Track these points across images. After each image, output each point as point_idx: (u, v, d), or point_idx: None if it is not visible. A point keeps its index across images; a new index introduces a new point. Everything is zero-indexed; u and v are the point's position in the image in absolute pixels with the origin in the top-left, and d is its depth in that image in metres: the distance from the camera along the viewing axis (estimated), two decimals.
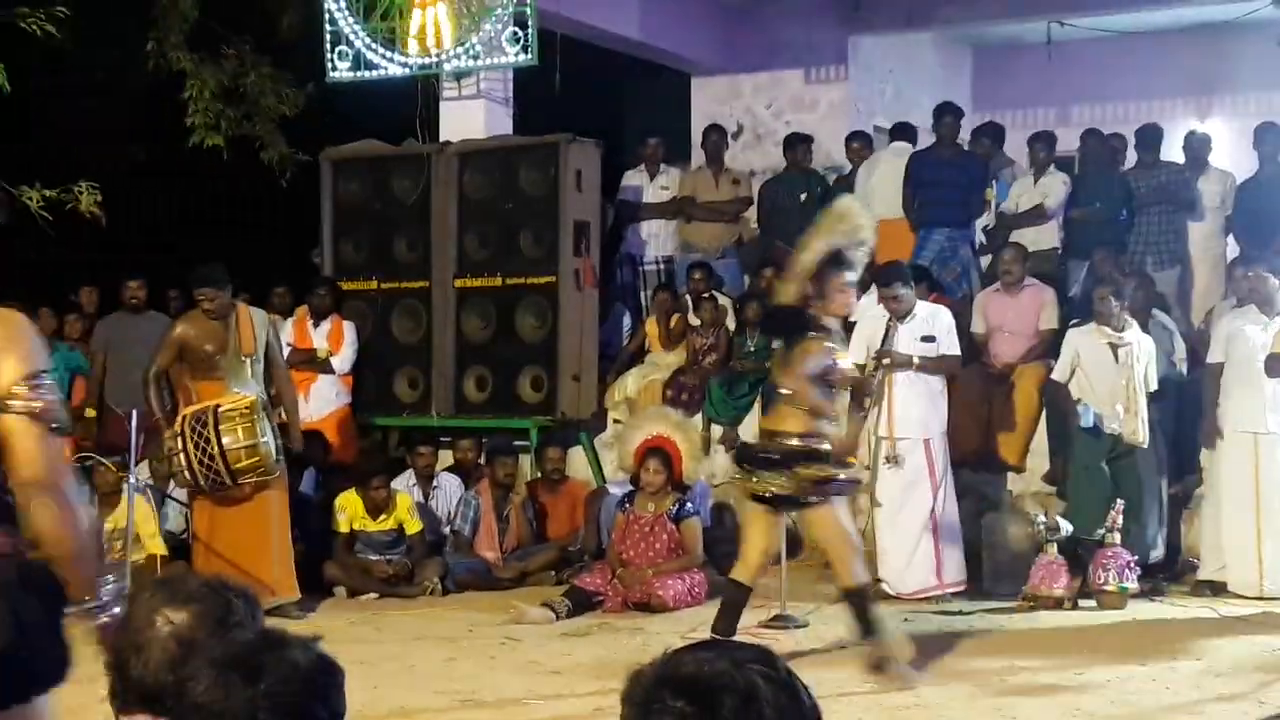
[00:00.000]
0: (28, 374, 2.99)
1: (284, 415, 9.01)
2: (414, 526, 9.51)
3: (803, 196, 11.96)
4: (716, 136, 12.33)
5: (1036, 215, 11.10)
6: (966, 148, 11.71)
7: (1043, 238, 11.11)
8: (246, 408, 8.30)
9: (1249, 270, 9.03)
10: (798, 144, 12.03)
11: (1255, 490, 8.74)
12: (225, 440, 8.22)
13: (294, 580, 8.60)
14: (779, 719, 1.80)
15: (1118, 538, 8.56)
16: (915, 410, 8.80)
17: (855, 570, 6.73)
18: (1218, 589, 8.80)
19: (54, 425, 3.01)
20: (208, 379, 8.55)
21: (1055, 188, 11.09)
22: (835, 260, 6.70)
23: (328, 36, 11.13)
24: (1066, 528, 8.65)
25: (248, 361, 8.57)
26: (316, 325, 10.64)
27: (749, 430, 10.70)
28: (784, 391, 6.74)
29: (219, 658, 2.20)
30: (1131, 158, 11.28)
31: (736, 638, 5.17)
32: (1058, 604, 8.41)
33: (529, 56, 10.71)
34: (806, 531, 8.01)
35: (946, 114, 11.31)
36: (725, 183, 12.11)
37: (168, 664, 2.48)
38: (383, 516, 9.45)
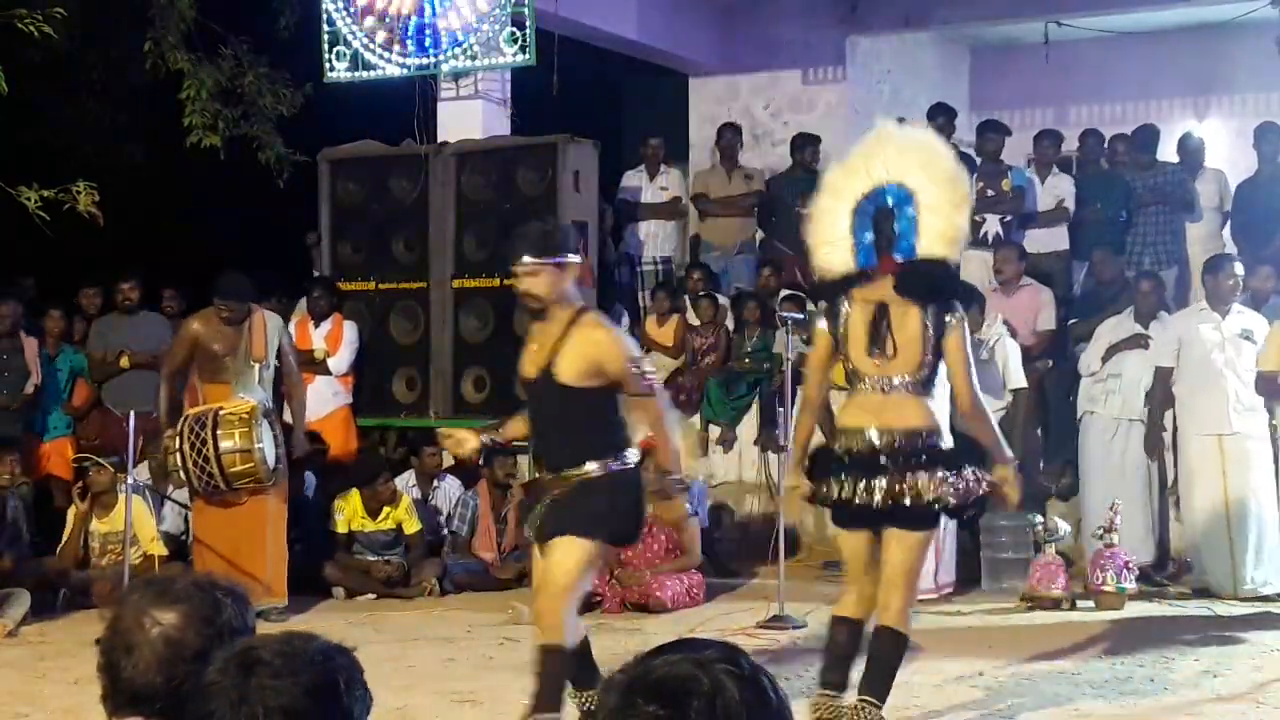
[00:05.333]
0: None
1: (291, 419, 9.01)
2: (413, 527, 9.50)
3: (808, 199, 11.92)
4: (731, 134, 12.32)
5: (1059, 216, 11.05)
6: (966, 148, 11.66)
7: (1053, 239, 11.06)
8: (247, 413, 8.28)
9: (1222, 267, 8.90)
10: (805, 145, 11.97)
11: (1224, 491, 8.71)
12: (223, 444, 8.19)
13: (284, 584, 8.61)
14: (746, 715, 1.84)
15: (1115, 538, 8.56)
16: None
17: None
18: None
19: None
20: (215, 381, 8.55)
21: (1067, 188, 11.05)
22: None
23: (325, 37, 11.13)
24: (1065, 529, 8.65)
25: (256, 367, 8.56)
26: (317, 326, 10.63)
27: (746, 430, 10.71)
28: None
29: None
30: (1128, 158, 11.27)
31: (723, 638, 5.12)
32: (1056, 604, 8.41)
33: (527, 57, 10.70)
34: None
35: (940, 115, 11.27)
36: (738, 178, 12.11)
37: (157, 665, 2.47)
38: (381, 516, 9.44)
